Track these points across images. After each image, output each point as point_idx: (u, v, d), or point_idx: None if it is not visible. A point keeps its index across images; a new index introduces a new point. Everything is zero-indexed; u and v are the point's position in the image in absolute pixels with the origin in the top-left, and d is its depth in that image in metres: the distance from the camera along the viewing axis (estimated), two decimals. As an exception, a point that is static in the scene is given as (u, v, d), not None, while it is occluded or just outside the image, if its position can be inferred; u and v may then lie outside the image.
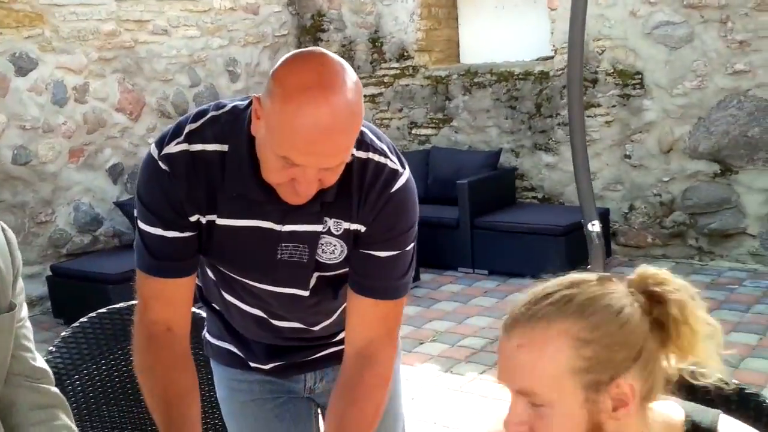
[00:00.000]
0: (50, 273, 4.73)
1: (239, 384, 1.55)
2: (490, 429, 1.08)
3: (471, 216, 5.12)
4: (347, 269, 1.36)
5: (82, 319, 2.02)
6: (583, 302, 0.97)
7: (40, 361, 1.25)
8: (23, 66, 4.81)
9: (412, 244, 1.35)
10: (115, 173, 5.28)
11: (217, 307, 1.50)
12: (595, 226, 3.54)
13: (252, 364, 1.52)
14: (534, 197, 5.67)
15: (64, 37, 4.98)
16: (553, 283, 1.01)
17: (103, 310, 2.03)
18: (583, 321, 0.95)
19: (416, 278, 4.98)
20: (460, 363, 3.79)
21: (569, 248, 4.78)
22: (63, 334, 1.97)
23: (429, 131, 6.03)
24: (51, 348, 1.94)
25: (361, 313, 1.33)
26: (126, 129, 5.34)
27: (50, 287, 4.73)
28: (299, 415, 1.59)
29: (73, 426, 1.25)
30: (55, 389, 1.26)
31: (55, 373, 1.88)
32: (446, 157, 5.61)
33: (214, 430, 2.03)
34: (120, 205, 5.05)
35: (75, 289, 4.52)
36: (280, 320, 1.45)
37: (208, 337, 1.59)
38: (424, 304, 4.65)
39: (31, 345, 1.23)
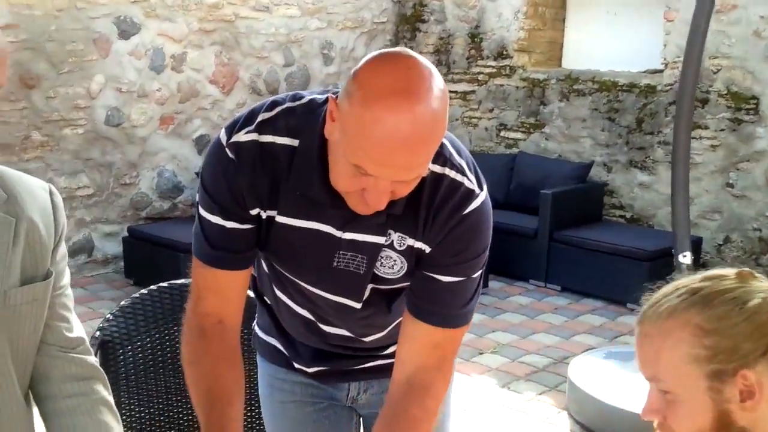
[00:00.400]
0: (127, 234, 4.92)
1: (281, 383, 1.55)
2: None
3: (551, 228, 4.99)
4: (405, 284, 1.32)
5: (142, 291, 2.07)
6: (708, 294, 1.01)
7: (77, 331, 1.25)
8: (126, 30, 5.00)
9: (480, 272, 1.28)
10: (201, 144, 5.43)
11: (269, 302, 1.50)
12: (686, 258, 3.39)
13: (296, 365, 1.51)
14: (622, 216, 5.47)
15: (169, 5, 5.14)
16: (688, 279, 1.05)
17: (164, 284, 2.08)
18: (707, 312, 0.99)
19: (484, 285, 4.91)
20: (519, 380, 3.71)
21: (652, 275, 4.57)
22: (122, 303, 2.03)
23: (518, 135, 5.91)
24: (108, 316, 2.00)
25: (415, 337, 1.27)
26: (217, 102, 5.47)
27: (125, 248, 4.93)
28: (339, 423, 1.57)
29: (110, 398, 1.26)
30: (93, 360, 1.27)
31: (108, 342, 1.96)
32: (533, 163, 5.49)
33: (255, 428, 2.07)
34: (201, 176, 5.18)
35: (148, 253, 4.68)
36: (329, 326, 1.43)
37: (257, 329, 1.59)
38: (490, 313, 4.57)
39: (69, 314, 1.24)
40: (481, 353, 3.99)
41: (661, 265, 4.24)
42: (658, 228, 5.25)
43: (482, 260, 1.28)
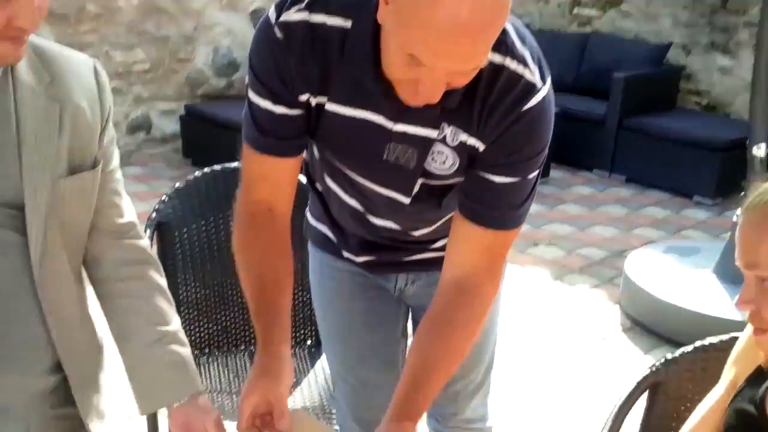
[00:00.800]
0: (184, 113, 4.96)
1: (331, 271, 1.57)
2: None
3: (621, 114, 4.81)
4: (457, 180, 1.29)
5: (196, 174, 2.10)
6: None
7: (128, 216, 1.26)
8: None
9: (537, 172, 1.23)
10: (256, 18, 5.32)
11: (320, 189, 1.50)
12: (761, 150, 3.24)
13: (345, 254, 1.52)
14: (697, 103, 5.23)
15: None
16: None
17: (218, 167, 2.11)
18: None
19: (545, 174, 4.83)
20: (573, 273, 3.71)
21: (724, 167, 4.43)
22: (177, 185, 2.07)
23: (593, 12, 5.60)
24: (164, 197, 2.05)
25: (465, 239, 1.25)
26: (272, -28, 5.32)
27: (182, 126, 4.99)
28: (387, 313, 1.60)
29: (164, 283, 1.29)
30: (145, 244, 1.28)
31: (164, 224, 2.02)
32: (607, 44, 5.22)
33: (307, 316, 2.13)
34: (257, 52, 5.12)
35: (205, 132, 4.74)
36: (377, 218, 1.43)
37: (308, 216, 1.60)
38: (548, 203, 4.53)
39: (119, 199, 1.24)
40: (536, 244, 3.99)
41: (734, 158, 4.08)
42: (735, 117, 5.01)
43: (540, 160, 1.23)
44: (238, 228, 1.31)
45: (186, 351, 1.24)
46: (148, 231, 1.34)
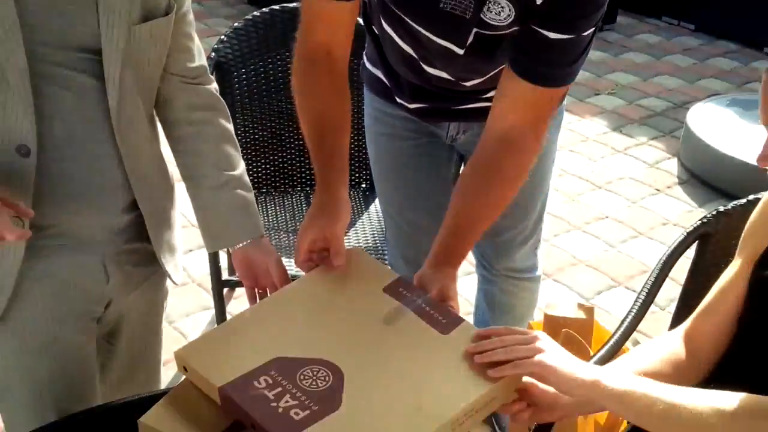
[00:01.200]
0: (238, -53, 4.80)
1: (383, 116, 1.58)
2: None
3: (696, -43, 4.49)
4: (511, 31, 1.27)
5: (254, 13, 2.08)
6: None
7: (198, 60, 1.28)
8: None
9: (592, 30, 1.20)
10: None
11: (376, 32, 1.48)
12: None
13: (398, 99, 1.53)
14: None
15: None
16: None
17: (276, 7, 2.08)
18: None
19: (611, 20, 4.61)
20: (633, 124, 3.63)
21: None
22: (235, 25, 2.06)
23: None
24: (222, 37, 2.05)
25: (513, 95, 1.24)
26: None
27: (237, -38, 4.84)
28: (438, 157, 1.62)
29: (230, 127, 1.33)
30: (214, 88, 1.32)
31: (222, 64, 2.04)
32: None
33: (362, 159, 2.17)
34: None
35: (259, -31, 4.60)
36: (430, 66, 1.42)
37: (365, 59, 1.60)
38: (612, 51, 4.36)
39: (191, 43, 1.26)
40: (597, 94, 3.89)
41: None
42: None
43: (597, 17, 1.19)
44: (297, 71, 1.32)
45: (250, 195, 1.29)
46: (213, 78, 1.36)
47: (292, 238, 2.05)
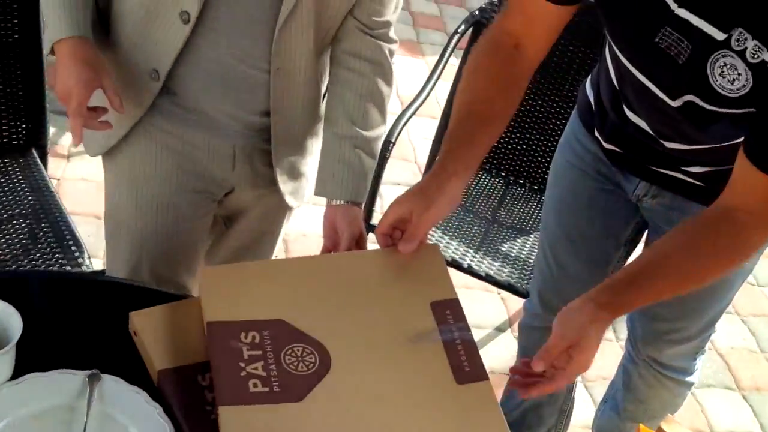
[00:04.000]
0: None
1: (577, 144, 1.40)
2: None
3: None
4: (742, 112, 1.00)
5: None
6: None
7: (387, 15, 1.23)
8: None
9: None
10: None
11: (604, 52, 1.28)
12: None
13: (596, 133, 1.34)
14: None
15: None
16: None
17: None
18: None
19: None
20: None
21: None
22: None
23: None
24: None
25: (744, 180, 1.01)
26: None
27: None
28: (616, 209, 1.40)
29: (386, 90, 1.26)
30: (388, 48, 1.26)
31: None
32: None
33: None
34: None
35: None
36: (629, 109, 1.20)
37: (590, 76, 1.40)
38: None
39: None
40: None
41: None
42: None
43: None
44: (476, 48, 1.19)
45: (370, 162, 1.24)
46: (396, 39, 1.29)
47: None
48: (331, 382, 0.88)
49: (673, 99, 1.07)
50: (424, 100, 1.91)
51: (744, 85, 0.96)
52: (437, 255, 1.07)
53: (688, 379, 1.56)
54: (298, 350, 0.91)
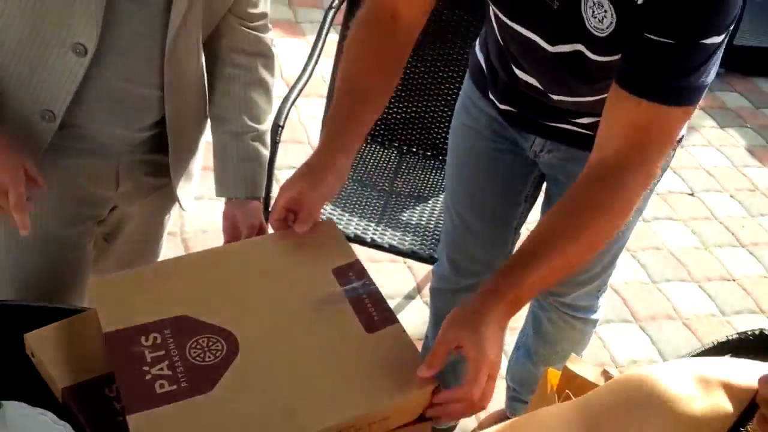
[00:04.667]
0: None
1: (473, 107, 1.43)
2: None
3: None
4: (612, 59, 1.05)
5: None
6: None
7: (262, 7, 1.23)
8: None
9: (718, 39, 0.96)
10: None
11: (489, 14, 1.31)
12: None
13: (490, 95, 1.37)
14: None
15: None
16: None
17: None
18: None
19: None
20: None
21: None
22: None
23: None
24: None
25: (615, 111, 1.03)
26: None
27: None
28: (514, 169, 1.45)
29: (270, 79, 1.27)
30: (267, 38, 1.26)
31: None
32: None
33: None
34: None
35: None
36: (518, 68, 1.24)
37: (477, 41, 1.43)
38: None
39: None
40: None
41: None
42: None
43: (717, 24, 0.94)
44: (355, 23, 1.19)
45: (266, 154, 1.24)
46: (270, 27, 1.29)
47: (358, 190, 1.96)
48: (241, 364, 0.88)
49: (552, 45, 1.10)
50: (308, 79, 1.91)
51: (611, 23, 1.00)
52: (333, 228, 1.09)
53: (593, 316, 1.64)
54: (203, 341, 0.90)
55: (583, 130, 1.29)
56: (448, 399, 0.91)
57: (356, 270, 1.02)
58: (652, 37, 0.96)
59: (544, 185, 1.51)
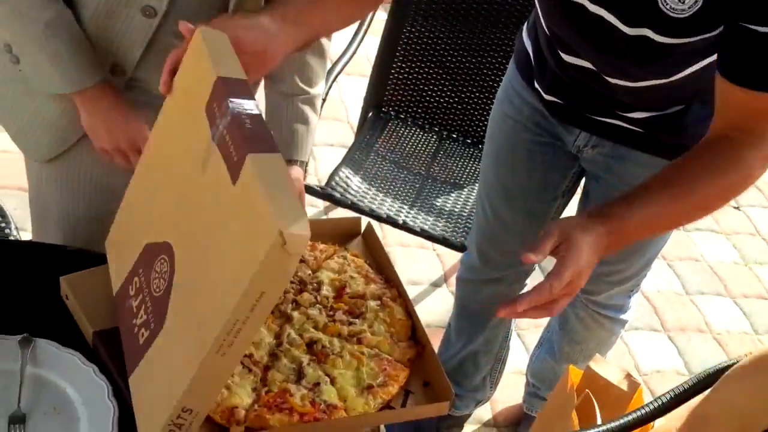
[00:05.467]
0: None
1: (516, 97, 1.42)
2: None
3: None
4: (694, 39, 1.02)
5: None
6: None
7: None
8: None
9: None
10: None
11: None
12: None
13: (535, 84, 1.35)
14: None
15: None
16: None
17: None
18: None
19: None
20: None
21: None
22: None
23: None
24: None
25: (727, 100, 1.02)
26: None
27: None
28: (554, 164, 1.44)
29: (327, 45, 1.27)
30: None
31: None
32: None
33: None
34: None
35: None
36: (565, 52, 1.22)
37: (524, 27, 1.42)
38: None
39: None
40: None
41: None
42: None
43: None
44: None
45: (315, 120, 1.26)
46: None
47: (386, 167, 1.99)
48: (179, 279, 0.81)
49: (631, 27, 1.06)
50: (352, 55, 1.93)
51: (696, 1, 0.97)
52: (200, 42, 0.86)
53: (623, 316, 1.64)
54: (158, 267, 0.85)
55: (632, 126, 1.28)
56: (528, 295, 0.91)
57: (222, 94, 0.79)
58: (754, 27, 0.94)
59: (582, 181, 1.51)
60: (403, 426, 1.99)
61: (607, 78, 1.20)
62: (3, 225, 1.41)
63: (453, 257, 2.25)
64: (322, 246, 1.09)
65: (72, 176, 1.23)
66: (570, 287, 0.93)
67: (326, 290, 1.03)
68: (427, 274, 2.27)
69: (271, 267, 0.69)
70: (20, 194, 1.94)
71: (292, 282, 1.02)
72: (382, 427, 1.85)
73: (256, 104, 0.79)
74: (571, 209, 1.56)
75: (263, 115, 0.99)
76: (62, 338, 0.91)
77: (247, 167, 0.72)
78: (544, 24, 1.23)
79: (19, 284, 0.99)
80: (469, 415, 1.90)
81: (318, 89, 1.28)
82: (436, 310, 2.14)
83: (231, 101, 0.77)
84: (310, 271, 1.05)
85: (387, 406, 0.92)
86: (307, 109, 1.26)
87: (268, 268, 0.69)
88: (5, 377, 0.86)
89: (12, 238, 1.41)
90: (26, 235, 1.83)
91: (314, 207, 2.29)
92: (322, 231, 1.11)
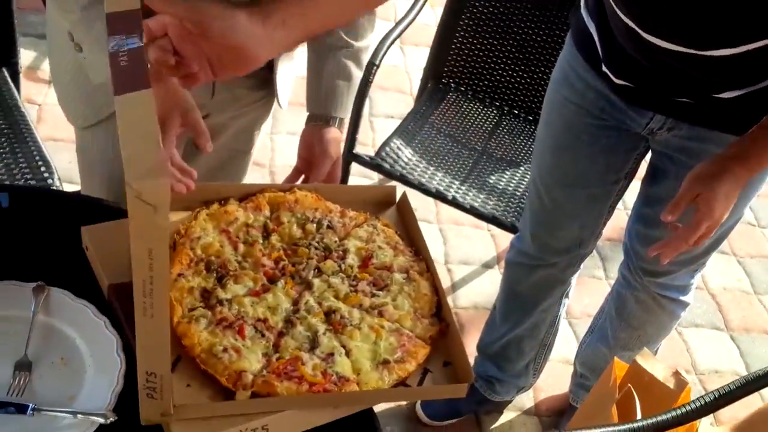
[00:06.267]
0: None
1: (578, 81, 1.33)
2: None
3: None
4: None
5: None
6: None
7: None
8: None
9: None
10: None
11: None
12: None
13: (604, 68, 1.26)
14: None
15: None
16: None
17: None
18: None
19: None
20: None
21: None
22: None
23: None
24: None
25: None
26: None
27: None
28: (619, 144, 1.36)
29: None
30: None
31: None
32: None
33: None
34: None
35: None
36: (652, 34, 1.11)
37: (583, 2, 1.33)
38: None
39: None
40: None
41: None
42: None
43: None
44: None
45: (357, 75, 1.22)
46: None
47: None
48: None
49: None
50: (411, 20, 1.88)
51: None
52: None
53: (684, 298, 1.56)
54: None
55: (720, 107, 1.18)
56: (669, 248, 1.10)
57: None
58: None
59: (647, 160, 1.42)
60: (442, 406, 1.96)
61: (703, 53, 1.10)
62: (47, 175, 1.43)
63: (507, 239, 2.18)
64: (352, 213, 1.05)
65: (109, 143, 1.23)
66: (708, 231, 1.09)
67: (351, 259, 0.99)
68: (480, 255, 2.21)
69: (141, 222, 0.65)
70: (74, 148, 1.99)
71: (316, 248, 0.99)
72: (418, 406, 1.83)
73: (139, 35, 0.73)
74: (632, 191, 1.48)
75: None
76: (78, 289, 0.91)
77: (117, 112, 0.68)
78: (620, 11, 1.13)
79: (39, 232, 0.99)
80: (509, 402, 1.85)
81: (364, 42, 1.23)
82: (485, 292, 2.08)
83: (111, 39, 0.73)
84: (336, 239, 1.01)
85: (402, 383, 0.88)
86: (350, 63, 1.21)
87: (138, 223, 0.65)
88: (17, 323, 0.86)
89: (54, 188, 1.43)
90: (74, 188, 1.87)
91: (368, 179, 2.25)
92: (354, 197, 1.07)
